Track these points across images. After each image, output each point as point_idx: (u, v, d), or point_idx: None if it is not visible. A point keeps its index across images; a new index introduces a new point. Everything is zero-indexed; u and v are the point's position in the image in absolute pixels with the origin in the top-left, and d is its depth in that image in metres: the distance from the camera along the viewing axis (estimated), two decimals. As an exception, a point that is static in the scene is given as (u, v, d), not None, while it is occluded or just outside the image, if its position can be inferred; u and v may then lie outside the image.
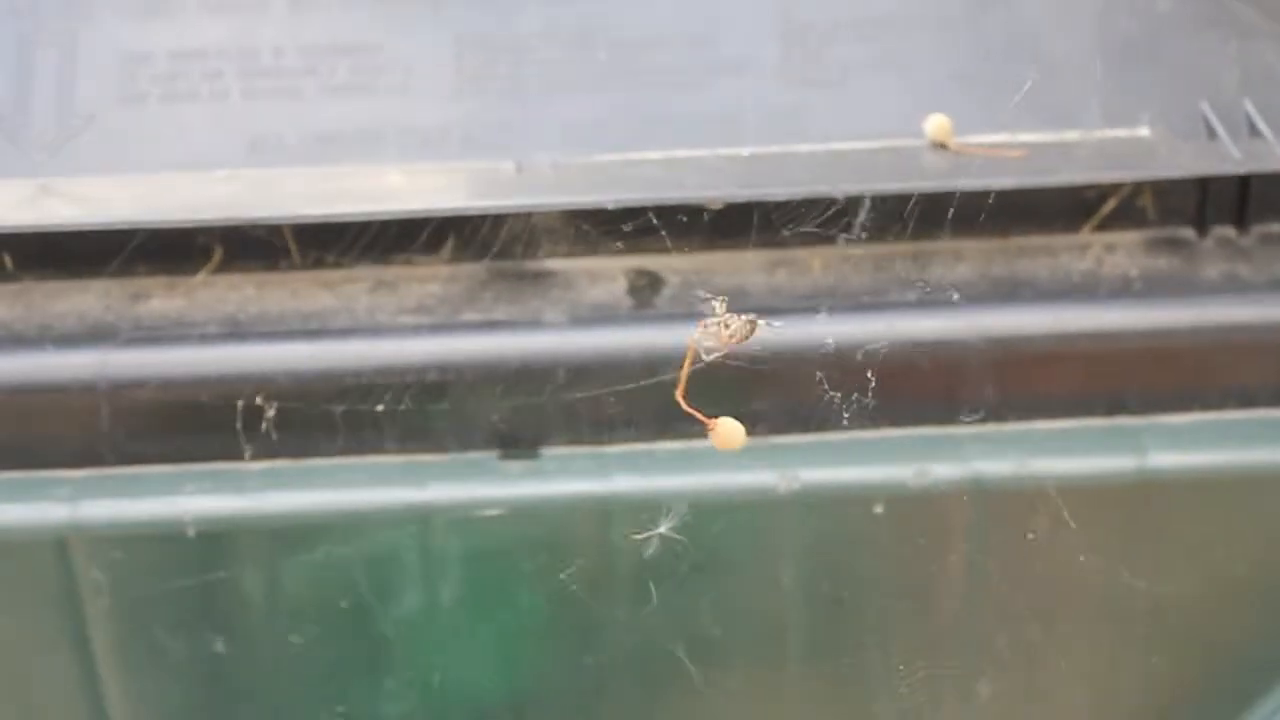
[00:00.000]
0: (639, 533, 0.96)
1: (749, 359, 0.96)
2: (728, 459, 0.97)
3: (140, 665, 1.03)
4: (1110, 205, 1.01)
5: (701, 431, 0.96)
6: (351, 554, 1.00)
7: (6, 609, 1.02)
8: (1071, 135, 1.03)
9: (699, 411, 0.91)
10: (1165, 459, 0.99)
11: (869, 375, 0.93)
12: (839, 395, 0.93)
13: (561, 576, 0.99)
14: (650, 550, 0.96)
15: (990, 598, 1.03)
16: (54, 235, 1.00)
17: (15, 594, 1.01)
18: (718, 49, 1.08)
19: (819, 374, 0.94)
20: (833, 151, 1.02)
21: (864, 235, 0.99)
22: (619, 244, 1.01)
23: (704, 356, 0.92)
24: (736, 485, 0.99)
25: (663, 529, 0.95)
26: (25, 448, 0.99)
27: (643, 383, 0.98)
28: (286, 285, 1.02)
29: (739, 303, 0.94)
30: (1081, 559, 1.01)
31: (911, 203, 0.97)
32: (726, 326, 0.91)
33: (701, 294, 0.96)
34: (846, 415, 0.94)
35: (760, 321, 0.92)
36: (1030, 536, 1.00)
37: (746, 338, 0.92)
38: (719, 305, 0.91)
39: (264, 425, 0.99)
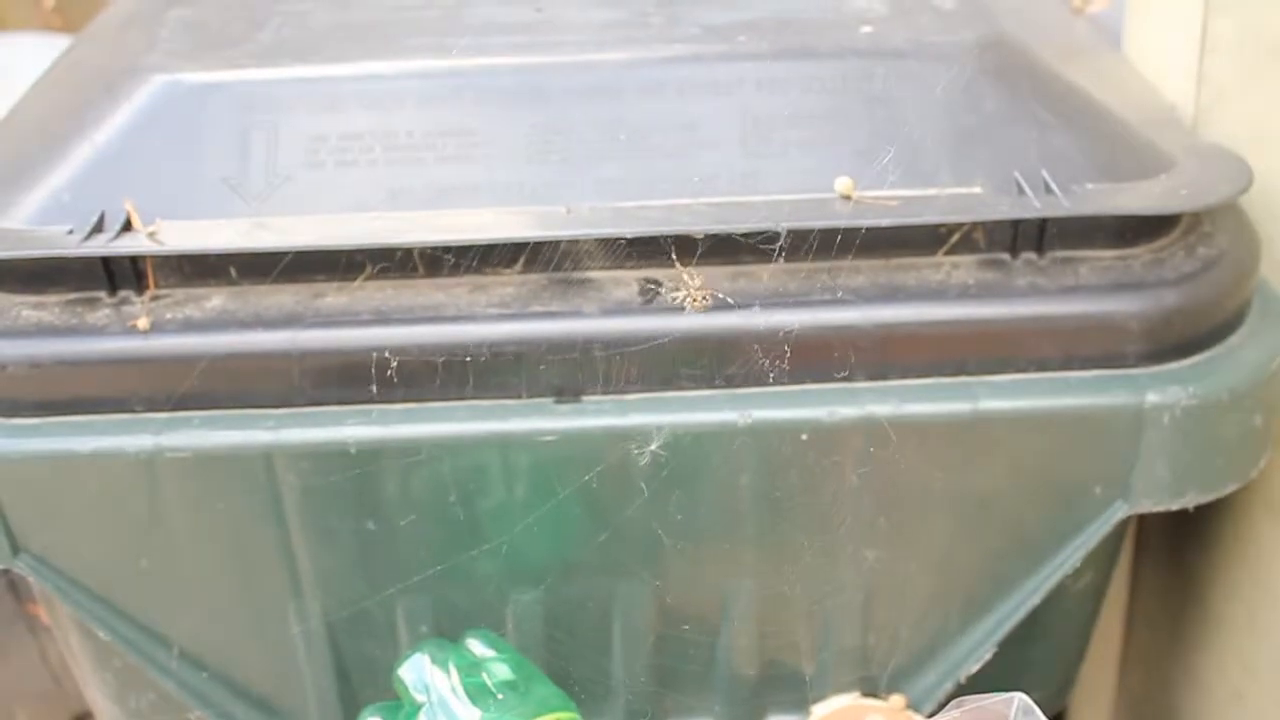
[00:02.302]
0: (641, 449, 1.06)
1: (721, 335, 1.06)
2: (709, 403, 1.07)
3: (320, 538, 1.10)
4: (956, 237, 1.09)
5: (689, 386, 1.06)
6: (455, 465, 1.07)
7: (232, 503, 1.08)
8: (931, 191, 1.09)
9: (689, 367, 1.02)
10: (990, 404, 1.08)
11: (790, 348, 1.05)
12: (771, 360, 1.05)
13: (591, 480, 1.06)
14: (647, 461, 1.06)
15: (876, 496, 1.10)
16: (262, 254, 1.06)
17: (237, 492, 1.08)
18: (700, 132, 1.12)
19: (757, 346, 1.06)
20: (777, 200, 1.08)
21: (797, 256, 1.06)
22: (634, 261, 1.07)
23: (674, 309, 1.01)
24: (709, 419, 1.07)
25: (655, 447, 1.05)
26: (243, 393, 1.08)
27: (650, 352, 1.06)
28: (414, 288, 1.09)
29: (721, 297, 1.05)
30: (935, 472, 1.10)
31: (828, 235, 1.05)
32: (692, 294, 1.03)
33: (686, 275, 1.04)
34: (775, 373, 1.05)
35: (716, 296, 1.03)
36: (902, 457, 1.08)
37: (705, 306, 1.03)
38: (688, 278, 1.04)
39: (391, 378, 1.05)
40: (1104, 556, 1.18)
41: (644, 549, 1.09)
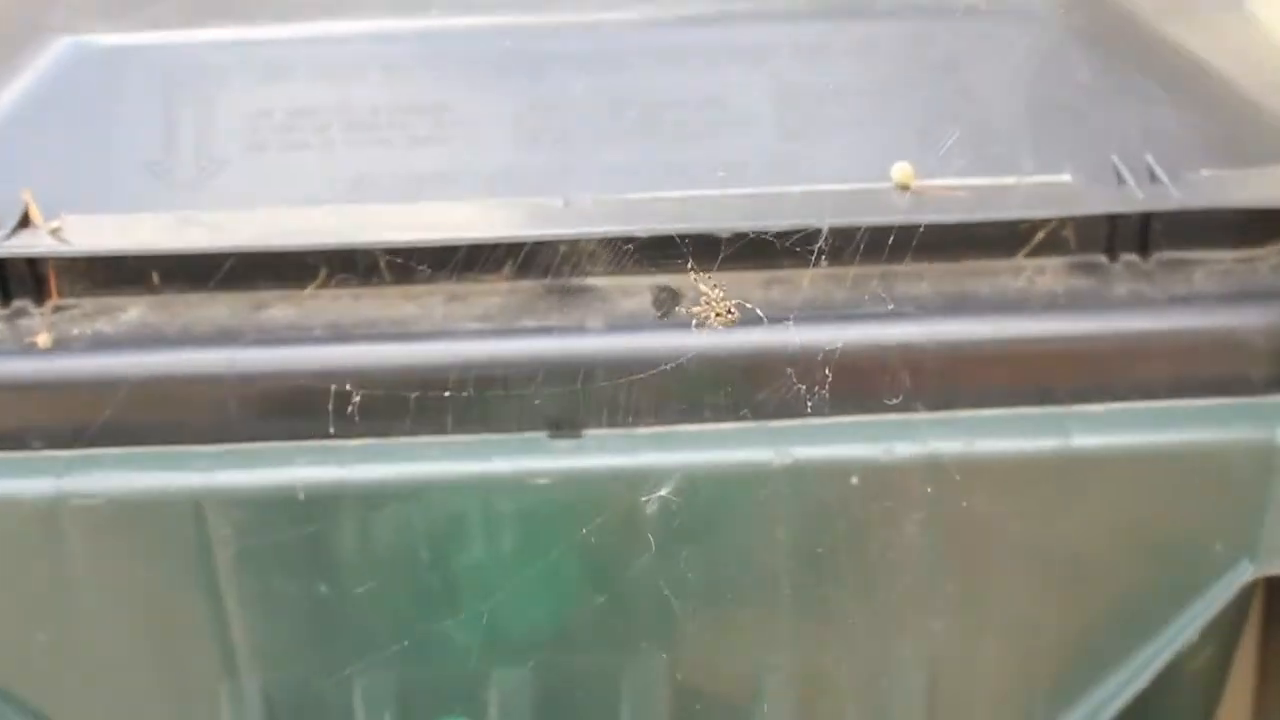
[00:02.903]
0: (652, 494, 1.01)
1: (751, 355, 1.01)
2: (735, 438, 1.03)
3: (259, 604, 1.06)
4: (1040, 236, 1.06)
5: (714, 417, 1.03)
6: (428, 515, 1.03)
7: (153, 559, 1.04)
8: (1009, 179, 1.06)
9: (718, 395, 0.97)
10: (1085, 440, 1.03)
11: (833, 371, 0.99)
12: (811, 386, 1.00)
13: (591, 532, 1.02)
14: (656, 509, 1.02)
15: (942, 553, 1.06)
16: (192, 256, 1.03)
17: (160, 547, 1.04)
18: (726, 109, 1.09)
19: (794, 368, 1.00)
20: (819, 192, 1.04)
21: (844, 259, 1.02)
22: (645, 265, 1.03)
23: (693, 327, 0.99)
24: (738, 459, 1.02)
25: (666, 492, 1.01)
26: (169, 427, 1.03)
27: (666, 372, 1.01)
28: (378, 297, 1.05)
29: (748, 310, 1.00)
30: (1016, 523, 1.05)
31: (882, 233, 1.01)
32: (715, 306, 0.98)
33: (703, 283, 0.99)
34: (816, 401, 1.00)
35: (745, 307, 0.98)
36: (974, 504, 1.04)
37: (732, 320, 0.98)
38: (707, 289, 0.98)
39: (352, 411, 1.01)
40: (1226, 628, 1.12)
41: (654, 616, 1.06)
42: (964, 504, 1.03)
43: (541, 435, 1.04)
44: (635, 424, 1.03)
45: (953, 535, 1.06)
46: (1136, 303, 1.05)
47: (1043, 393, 1.04)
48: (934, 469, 1.03)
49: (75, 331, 1.03)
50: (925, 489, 1.04)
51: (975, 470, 1.03)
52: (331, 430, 1.02)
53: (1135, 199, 1.04)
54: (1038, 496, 1.05)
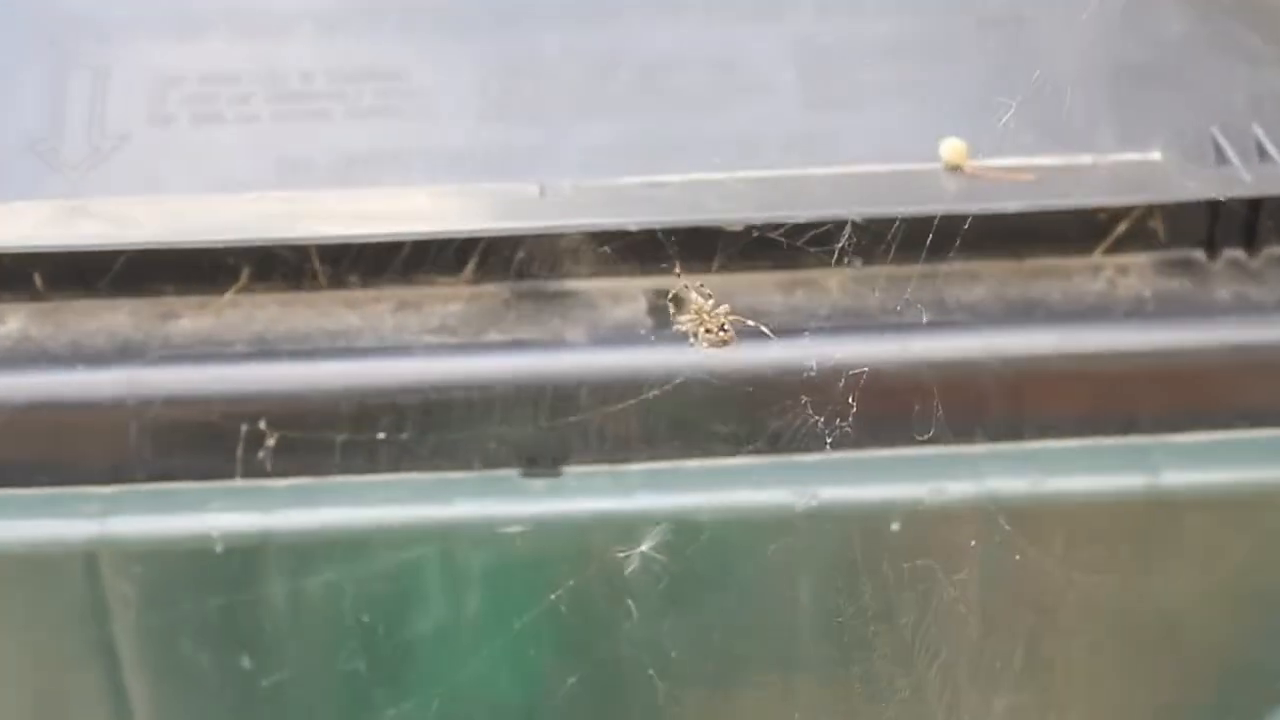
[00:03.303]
0: (656, 549, 0.95)
1: (765, 375, 0.94)
2: (746, 475, 0.98)
3: (167, 679, 1.02)
4: (1122, 228, 1.00)
5: (718, 451, 0.96)
6: (377, 569, 0.99)
7: (37, 622, 1.00)
8: (1084, 159, 1.01)
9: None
10: (1176, 477, 0.98)
11: (860, 394, 0.93)
12: (834, 412, 0.93)
13: (574, 594, 0.98)
14: (659, 568, 0.97)
15: (1003, 615, 1.01)
16: (85, 254, 0.98)
17: (46, 607, 1.00)
18: (737, 73, 1.06)
19: (815, 391, 0.93)
20: (850, 174, 1.01)
21: (880, 257, 0.96)
22: (638, 265, 0.99)
23: (693, 341, 0.93)
24: (751, 502, 0.97)
25: (671, 547, 0.95)
26: (56, 464, 0.98)
27: (661, 396, 0.96)
28: (312, 305, 1.00)
29: (760, 320, 0.94)
30: (1094, 578, 1.00)
31: (927, 225, 0.95)
32: (720, 316, 0.91)
33: (695, 290, 0.94)
34: (839, 434, 0.93)
35: (745, 324, 0.92)
36: (1042, 555, 0.99)
37: (737, 333, 0.91)
38: (699, 298, 0.92)
39: (280, 444, 0.98)
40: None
41: (644, 701, 1.02)
42: (1029, 556, 0.98)
43: (512, 473, 0.99)
44: (624, 459, 0.99)
45: (1016, 594, 1.01)
46: (1241, 309, 1.01)
47: (1125, 420, 1.00)
48: (992, 513, 0.98)
49: (-63, 346, 1.02)
50: (981, 537, 0.98)
51: (1042, 515, 0.99)
52: (255, 467, 0.98)
53: (1240, 181, 0.99)
54: (1119, 546, 1.01)
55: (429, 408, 0.98)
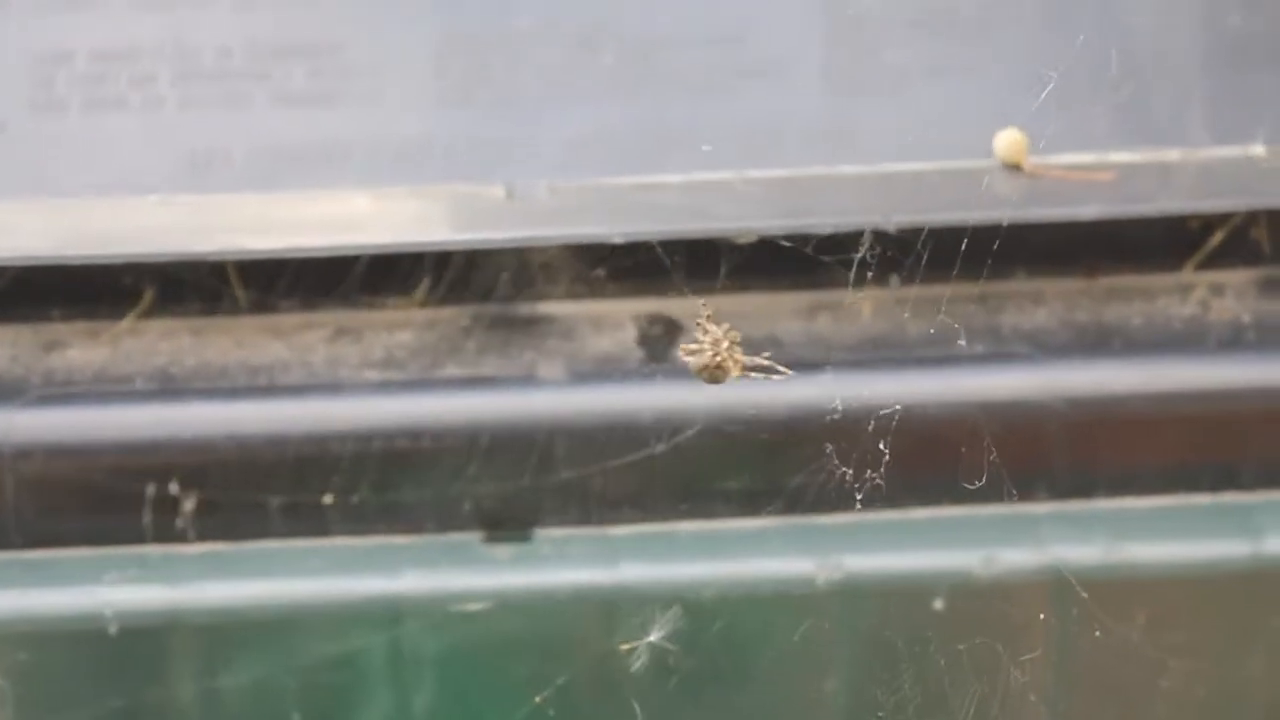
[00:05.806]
0: (646, 633, 0.87)
1: (780, 419, 0.88)
2: (755, 543, 0.91)
3: None
4: (1218, 238, 0.92)
5: (725, 511, 0.92)
6: (304, 659, 0.90)
7: None
8: (1171, 155, 0.93)
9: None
10: None
11: (894, 442, 0.84)
12: (864, 462, 0.83)
13: (558, 682, 0.89)
14: (659, 659, 0.89)
15: (1075, 706, 0.93)
16: None
17: None
18: (747, 49, 0.99)
19: (839, 439, 0.84)
20: (886, 174, 0.93)
21: (922, 274, 0.85)
22: (627, 284, 0.92)
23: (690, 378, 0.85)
24: (766, 575, 0.89)
25: (676, 629, 0.87)
26: None
27: (656, 451, 0.88)
28: (230, 332, 0.92)
29: (776, 355, 0.81)
30: (1183, 659, 0.91)
31: (978, 236, 0.85)
32: (708, 357, 0.81)
33: (702, 316, 0.84)
34: (870, 488, 0.83)
35: (759, 359, 0.83)
36: (1120, 634, 0.90)
37: (715, 378, 0.82)
38: (701, 325, 0.83)
39: (190, 504, 0.90)
40: None
41: None
42: (1105, 634, 0.88)
43: (473, 538, 0.90)
44: (611, 520, 0.90)
45: (1089, 679, 0.92)
46: (1362, 338, 0.94)
47: (1221, 473, 0.91)
48: (1059, 585, 0.88)
49: None
50: (1047, 614, 0.89)
51: (1121, 586, 0.90)
52: (158, 531, 0.88)
53: (1359, 183, 0.92)
54: (1214, 622, 0.92)
55: (371, 459, 0.89)
